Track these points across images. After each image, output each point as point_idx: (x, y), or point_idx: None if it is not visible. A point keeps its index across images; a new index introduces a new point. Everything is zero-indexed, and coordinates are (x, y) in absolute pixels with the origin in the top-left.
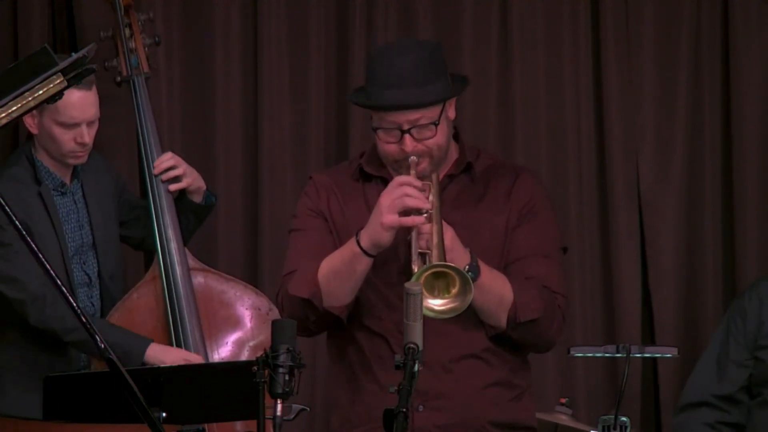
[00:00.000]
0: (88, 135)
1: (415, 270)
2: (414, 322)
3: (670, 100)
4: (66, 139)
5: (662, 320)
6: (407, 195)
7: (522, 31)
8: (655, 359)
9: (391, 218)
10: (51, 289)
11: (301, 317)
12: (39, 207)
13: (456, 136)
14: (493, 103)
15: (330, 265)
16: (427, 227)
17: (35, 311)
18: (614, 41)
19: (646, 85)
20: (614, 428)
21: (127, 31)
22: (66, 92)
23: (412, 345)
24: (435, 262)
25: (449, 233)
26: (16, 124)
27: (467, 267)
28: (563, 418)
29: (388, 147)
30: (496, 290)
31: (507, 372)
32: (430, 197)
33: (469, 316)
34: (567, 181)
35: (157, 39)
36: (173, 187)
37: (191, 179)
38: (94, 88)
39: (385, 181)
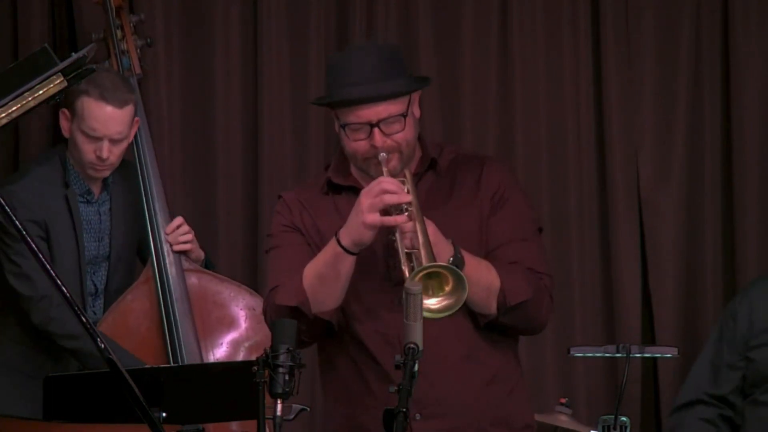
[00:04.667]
0: (107, 151)
1: (407, 273)
2: (414, 322)
3: (670, 100)
4: (86, 149)
5: (662, 320)
6: (387, 192)
7: (522, 31)
8: (655, 359)
9: (373, 218)
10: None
11: None
12: (63, 209)
13: (418, 136)
14: (493, 103)
15: (314, 270)
16: (409, 225)
17: (40, 311)
18: (614, 41)
19: (646, 85)
20: (614, 428)
21: (119, 33)
22: (97, 104)
23: (412, 345)
24: (424, 261)
25: (431, 228)
26: (54, 123)
27: (451, 259)
28: (563, 418)
29: (356, 145)
30: (483, 277)
31: (498, 368)
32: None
33: (456, 319)
34: (567, 181)
35: (149, 40)
36: (178, 247)
37: (194, 246)
38: (127, 108)
39: (356, 191)
